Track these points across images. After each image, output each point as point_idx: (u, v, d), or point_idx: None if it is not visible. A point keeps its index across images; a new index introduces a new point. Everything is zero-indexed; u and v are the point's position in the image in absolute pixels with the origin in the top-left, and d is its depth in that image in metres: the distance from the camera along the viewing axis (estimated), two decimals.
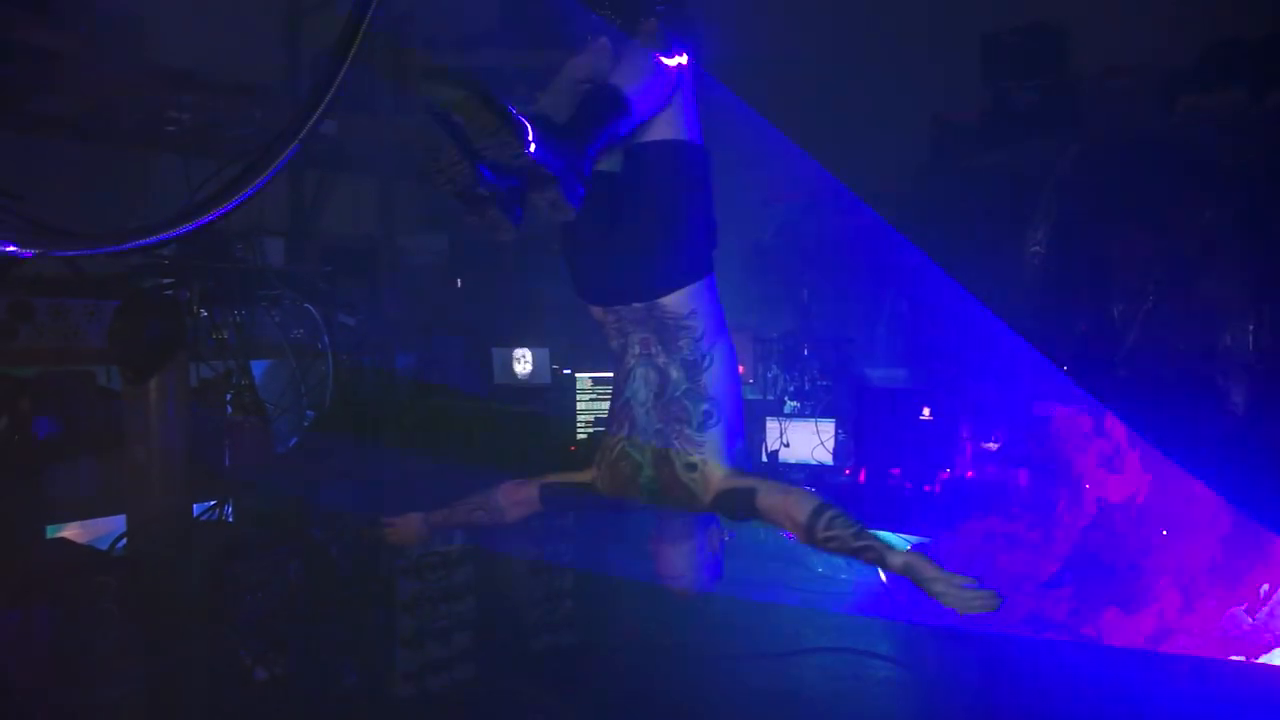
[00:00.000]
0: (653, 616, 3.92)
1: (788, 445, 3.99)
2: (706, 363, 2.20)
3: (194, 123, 3.43)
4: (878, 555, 1.98)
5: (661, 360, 2.24)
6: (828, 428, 3.94)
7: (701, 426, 2.20)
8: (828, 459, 3.94)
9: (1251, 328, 3.43)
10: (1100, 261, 3.76)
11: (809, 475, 3.95)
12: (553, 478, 2.50)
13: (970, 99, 4.27)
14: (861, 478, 3.83)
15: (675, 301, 2.18)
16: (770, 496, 2.11)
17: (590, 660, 3.58)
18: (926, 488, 3.57)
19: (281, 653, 2.81)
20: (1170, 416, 3.31)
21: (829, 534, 2.00)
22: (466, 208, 1.88)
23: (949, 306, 3.82)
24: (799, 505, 2.05)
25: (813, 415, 4.05)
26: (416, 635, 3.15)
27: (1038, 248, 3.91)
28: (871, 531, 2.02)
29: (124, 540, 2.80)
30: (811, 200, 4.84)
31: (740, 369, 4.56)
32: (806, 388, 4.19)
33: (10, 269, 2.59)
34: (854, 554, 2.01)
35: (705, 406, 2.20)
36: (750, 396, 4.57)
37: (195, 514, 2.99)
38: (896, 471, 3.70)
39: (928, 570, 1.92)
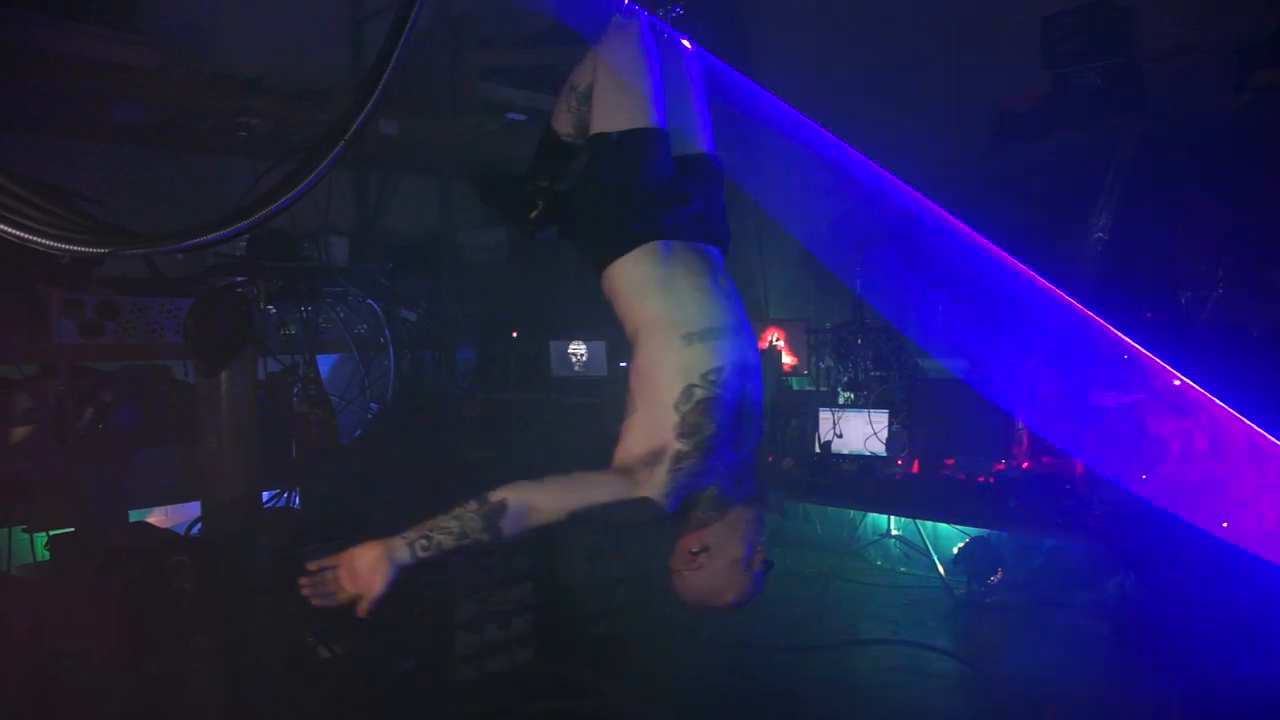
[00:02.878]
0: None
1: (840, 436, 3.97)
2: (632, 350, 2.08)
3: (263, 128, 3.60)
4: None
5: None
6: (881, 419, 3.91)
7: (622, 418, 2.06)
8: (881, 450, 3.91)
9: None
10: (1167, 247, 3.64)
11: (861, 466, 3.93)
12: None
13: (1030, 82, 4.17)
14: (915, 469, 3.79)
15: (604, 285, 2.13)
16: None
17: (646, 647, 3.63)
18: (980, 479, 3.52)
19: (343, 633, 2.93)
20: (1240, 408, 3.19)
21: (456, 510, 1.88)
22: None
23: (1006, 295, 3.75)
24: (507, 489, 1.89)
25: (866, 406, 4.02)
26: (475, 619, 3.24)
27: (1100, 234, 3.80)
28: (445, 535, 1.83)
29: (199, 525, 2.97)
30: (870, 190, 4.80)
31: (794, 359, 4.59)
32: (860, 378, 4.16)
33: (91, 269, 2.77)
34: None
35: (625, 398, 2.06)
36: (804, 387, 4.56)
37: (264, 501, 3.14)
38: (950, 463, 3.66)
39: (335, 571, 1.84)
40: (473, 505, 1.83)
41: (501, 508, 1.83)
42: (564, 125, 2.29)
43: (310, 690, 2.81)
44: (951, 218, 3.77)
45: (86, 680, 2.40)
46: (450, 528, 1.82)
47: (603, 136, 2.14)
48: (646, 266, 2.04)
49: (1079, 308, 3.28)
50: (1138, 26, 4.00)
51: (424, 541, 1.82)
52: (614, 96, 2.14)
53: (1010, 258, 3.41)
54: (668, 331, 2.00)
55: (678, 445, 1.94)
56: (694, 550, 2.04)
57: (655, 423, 1.96)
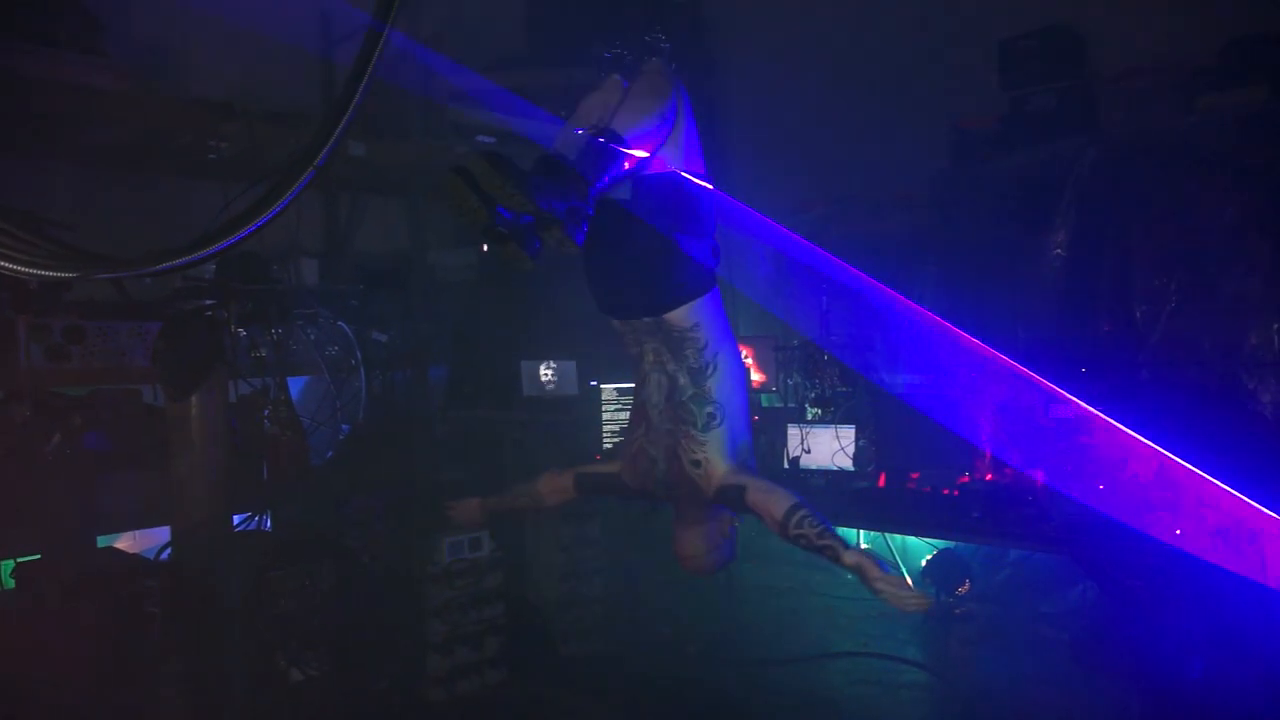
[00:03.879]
0: (680, 622, 3.99)
1: (809, 451, 4.03)
2: (710, 369, 2.39)
3: (233, 151, 3.61)
4: (834, 553, 2.18)
5: (671, 367, 2.42)
6: (848, 434, 3.97)
7: (705, 427, 2.39)
8: (848, 464, 3.97)
9: (1276, 326, 3.39)
10: (1122, 263, 3.74)
11: (830, 481, 3.98)
12: (585, 467, 2.78)
13: (988, 104, 4.29)
14: (881, 482, 3.85)
15: (679, 316, 2.37)
16: (756, 494, 2.31)
17: (618, 665, 3.65)
18: (945, 492, 3.59)
19: (316, 655, 2.93)
20: (1195, 418, 3.28)
21: (798, 531, 2.20)
22: (489, 242, 2.13)
23: (969, 311, 3.84)
24: (777, 503, 2.25)
25: (833, 421, 4.08)
26: (447, 640, 3.25)
27: (1059, 250, 3.90)
28: (833, 531, 2.21)
29: (168, 550, 2.94)
30: (837, 209, 4.91)
31: (763, 376, 4.64)
32: (827, 394, 4.22)
33: (60, 293, 2.77)
34: (816, 551, 2.20)
35: (709, 409, 2.39)
36: (773, 404, 4.61)
37: (235, 524, 3.13)
38: (916, 476, 3.72)
39: (873, 571, 2.12)
40: (802, 512, 2.21)
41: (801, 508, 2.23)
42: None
43: (283, 713, 2.80)
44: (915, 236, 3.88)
45: (57, 706, 2.38)
46: (833, 542, 2.20)
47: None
48: (717, 298, 2.44)
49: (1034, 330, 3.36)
50: (1091, 50, 4.14)
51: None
52: (697, 148, 2.43)
53: (974, 275, 3.53)
54: (738, 352, 2.49)
55: (749, 441, 2.48)
56: (735, 525, 2.59)
57: (743, 426, 2.46)
